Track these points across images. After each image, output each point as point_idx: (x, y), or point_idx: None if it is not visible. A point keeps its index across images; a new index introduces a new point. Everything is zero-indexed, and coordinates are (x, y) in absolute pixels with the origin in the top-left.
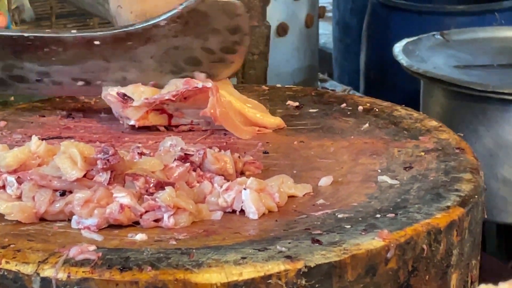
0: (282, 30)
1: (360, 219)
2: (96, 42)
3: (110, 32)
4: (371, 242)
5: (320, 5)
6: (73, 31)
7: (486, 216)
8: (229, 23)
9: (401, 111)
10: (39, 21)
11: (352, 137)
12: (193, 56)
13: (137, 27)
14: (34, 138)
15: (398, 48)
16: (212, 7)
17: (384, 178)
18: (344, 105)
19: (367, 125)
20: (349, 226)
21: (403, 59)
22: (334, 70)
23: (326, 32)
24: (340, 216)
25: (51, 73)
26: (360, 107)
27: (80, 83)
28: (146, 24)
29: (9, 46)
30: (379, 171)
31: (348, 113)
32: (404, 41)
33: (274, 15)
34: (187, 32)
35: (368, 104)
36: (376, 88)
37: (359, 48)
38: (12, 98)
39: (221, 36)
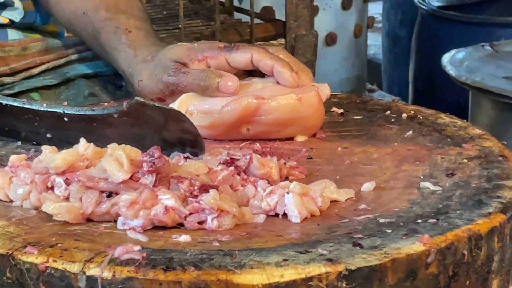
0: (331, 39)
1: (401, 224)
2: (65, 119)
3: (76, 113)
4: (412, 246)
5: (369, 15)
6: (44, 104)
7: None
8: (176, 125)
9: (445, 118)
10: None
11: (396, 144)
12: (154, 144)
13: (96, 113)
14: (82, 141)
15: (447, 58)
16: (154, 111)
17: (427, 184)
18: (388, 112)
19: (410, 132)
20: (390, 231)
21: (451, 70)
22: (383, 81)
23: (375, 43)
24: (381, 221)
25: (38, 133)
26: (404, 115)
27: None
28: (102, 113)
29: None
30: (422, 177)
31: (392, 120)
32: (453, 52)
33: (323, 24)
34: (141, 125)
35: (412, 112)
36: (424, 98)
37: (408, 58)
38: (65, 103)
39: (173, 133)
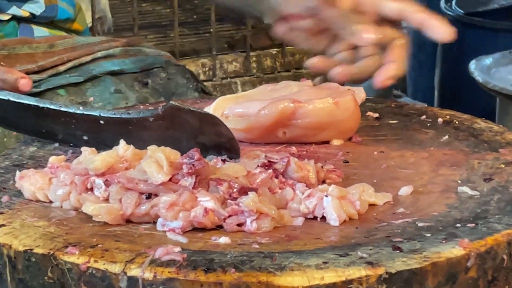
0: None
1: (440, 228)
2: (101, 122)
3: (111, 116)
4: (452, 250)
5: None
6: (80, 107)
7: None
8: (211, 129)
9: (481, 123)
10: (120, 32)
11: (432, 148)
12: (190, 147)
13: (131, 116)
14: (122, 143)
15: (474, 65)
16: (189, 115)
17: (464, 189)
18: (423, 117)
19: (446, 137)
20: (429, 235)
21: (479, 76)
22: (408, 87)
23: None
24: (420, 224)
25: (74, 135)
26: (440, 119)
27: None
28: (137, 116)
29: (31, 110)
30: (459, 182)
31: (428, 125)
32: (480, 58)
33: None
34: (176, 128)
35: (448, 117)
36: (450, 104)
37: (434, 64)
38: (91, 99)
39: (208, 137)
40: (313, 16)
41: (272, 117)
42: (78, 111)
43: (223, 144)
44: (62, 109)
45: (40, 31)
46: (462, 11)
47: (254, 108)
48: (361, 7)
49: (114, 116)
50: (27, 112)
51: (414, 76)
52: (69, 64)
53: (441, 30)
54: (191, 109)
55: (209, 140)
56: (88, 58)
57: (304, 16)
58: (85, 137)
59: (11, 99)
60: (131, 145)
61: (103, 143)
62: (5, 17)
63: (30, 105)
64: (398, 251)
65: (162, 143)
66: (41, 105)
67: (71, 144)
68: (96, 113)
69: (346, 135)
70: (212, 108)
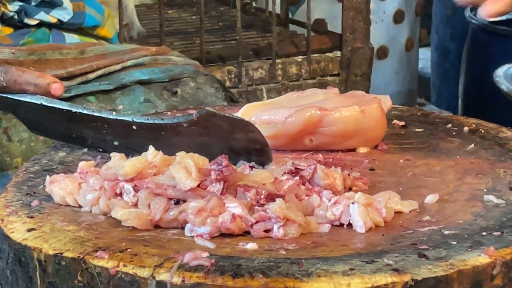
0: (382, 53)
1: (466, 236)
2: (134, 127)
3: (145, 122)
4: (477, 258)
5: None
6: (113, 113)
7: None
8: (243, 135)
9: (507, 133)
10: (147, 38)
11: (458, 156)
12: (221, 153)
13: (165, 122)
14: (151, 149)
15: (499, 73)
16: (223, 121)
17: (490, 197)
18: (449, 125)
19: (472, 145)
20: (455, 243)
21: (503, 85)
22: (432, 95)
23: (424, 57)
24: (446, 232)
25: (104, 140)
26: (466, 128)
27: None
28: (171, 122)
29: (63, 114)
30: (485, 190)
31: (454, 133)
32: (505, 67)
33: (375, 38)
34: (209, 134)
35: (474, 125)
36: (475, 113)
37: (458, 73)
38: (121, 107)
39: (240, 142)
40: None
41: (299, 125)
42: (111, 116)
43: (255, 150)
44: (95, 114)
45: (71, 38)
46: (487, 20)
47: (281, 115)
48: None
49: (147, 121)
50: (58, 117)
51: (438, 84)
52: (99, 72)
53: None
54: (226, 115)
55: (240, 146)
56: (118, 66)
57: None
58: (115, 143)
59: (44, 103)
60: (162, 150)
61: (132, 149)
62: (33, 22)
63: (62, 109)
64: (424, 259)
65: (193, 149)
66: (73, 109)
67: (100, 150)
68: (129, 119)
69: (372, 143)
70: (240, 115)
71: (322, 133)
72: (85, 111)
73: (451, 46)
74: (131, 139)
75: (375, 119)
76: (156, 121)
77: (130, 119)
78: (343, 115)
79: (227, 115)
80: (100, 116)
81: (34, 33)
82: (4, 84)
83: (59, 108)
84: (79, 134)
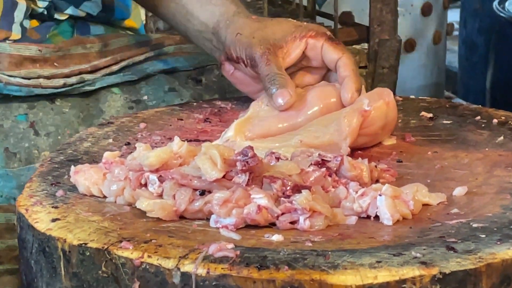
0: (410, 46)
1: (495, 229)
2: None
3: None
4: (507, 252)
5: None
6: None
7: None
8: None
9: None
10: (173, 30)
11: (487, 149)
12: None
13: None
14: (177, 139)
15: None
16: None
17: None
18: (478, 117)
19: (502, 138)
20: (484, 236)
21: None
22: (459, 89)
23: (451, 50)
24: (474, 225)
25: None
26: (495, 120)
27: None
28: None
29: None
30: None
31: (483, 125)
32: None
33: (402, 30)
34: None
35: (503, 118)
36: (502, 108)
37: (485, 67)
38: (145, 97)
39: None
40: (252, 66)
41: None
42: None
43: None
44: None
45: (96, 29)
46: None
47: (274, 126)
48: (310, 47)
49: None
50: None
51: (465, 78)
52: (123, 64)
53: (349, 94)
54: None
55: None
56: (141, 57)
57: (247, 63)
58: None
59: None
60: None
61: None
62: (63, 17)
63: None
64: (452, 252)
65: None
66: None
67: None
68: None
69: (391, 133)
70: (232, 133)
71: (360, 134)
72: None
73: (478, 40)
74: None
75: (395, 109)
76: None
77: None
78: (378, 112)
79: None
80: None
81: (59, 26)
82: None
83: None
84: None
